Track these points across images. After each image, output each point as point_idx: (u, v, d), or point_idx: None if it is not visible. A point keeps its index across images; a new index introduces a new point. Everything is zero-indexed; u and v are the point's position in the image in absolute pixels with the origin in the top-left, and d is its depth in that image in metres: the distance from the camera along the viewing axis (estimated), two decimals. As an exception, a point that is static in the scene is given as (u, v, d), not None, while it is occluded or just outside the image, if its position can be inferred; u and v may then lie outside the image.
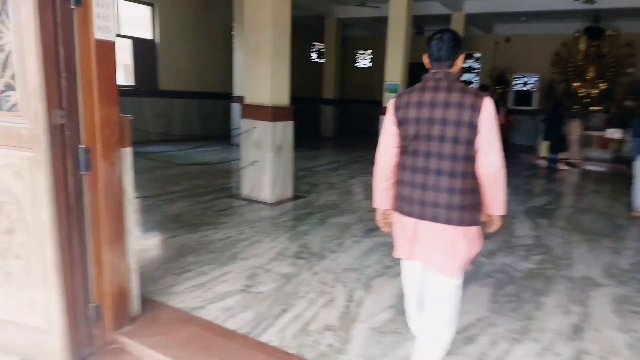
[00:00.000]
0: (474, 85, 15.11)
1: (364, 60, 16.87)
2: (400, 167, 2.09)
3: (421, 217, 1.99)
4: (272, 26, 4.95)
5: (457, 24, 11.93)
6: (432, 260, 2.03)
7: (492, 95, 13.18)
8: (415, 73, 16.42)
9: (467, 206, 1.95)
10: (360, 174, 7.73)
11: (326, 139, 13.61)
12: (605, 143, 11.50)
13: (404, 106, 2.01)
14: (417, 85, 2.04)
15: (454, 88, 1.94)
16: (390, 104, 2.08)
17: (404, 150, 2.06)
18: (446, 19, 12.04)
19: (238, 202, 5.46)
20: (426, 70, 2.06)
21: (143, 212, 4.83)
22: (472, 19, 13.22)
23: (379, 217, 2.29)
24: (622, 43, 12.37)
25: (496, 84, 13.82)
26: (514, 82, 14.54)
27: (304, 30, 14.62)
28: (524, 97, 14.59)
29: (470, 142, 1.91)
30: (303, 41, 14.71)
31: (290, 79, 5.32)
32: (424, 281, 2.18)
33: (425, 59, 2.06)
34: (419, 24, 13.93)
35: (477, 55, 15.00)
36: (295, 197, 5.73)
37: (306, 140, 12.88)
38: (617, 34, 12.34)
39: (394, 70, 8.62)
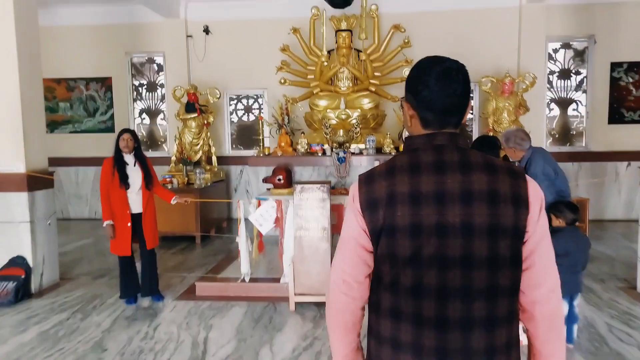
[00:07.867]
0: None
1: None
2: (388, 314, 1.08)
3: None
4: None
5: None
6: None
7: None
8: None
9: None
10: None
11: None
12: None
13: (385, 200, 1.05)
14: (399, 159, 1.09)
15: (474, 162, 1.05)
16: (353, 192, 1.11)
17: (391, 283, 1.07)
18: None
19: None
20: None
21: None
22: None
23: None
24: (389, 26, 6.72)
25: (188, 110, 7.03)
26: (230, 108, 7.98)
27: None
28: (245, 133, 8.11)
29: (518, 263, 1.06)
30: None
31: None
32: None
33: (409, 112, 1.13)
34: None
35: (159, 60, 8.13)
36: None
37: None
38: (376, 9, 6.64)
39: None
